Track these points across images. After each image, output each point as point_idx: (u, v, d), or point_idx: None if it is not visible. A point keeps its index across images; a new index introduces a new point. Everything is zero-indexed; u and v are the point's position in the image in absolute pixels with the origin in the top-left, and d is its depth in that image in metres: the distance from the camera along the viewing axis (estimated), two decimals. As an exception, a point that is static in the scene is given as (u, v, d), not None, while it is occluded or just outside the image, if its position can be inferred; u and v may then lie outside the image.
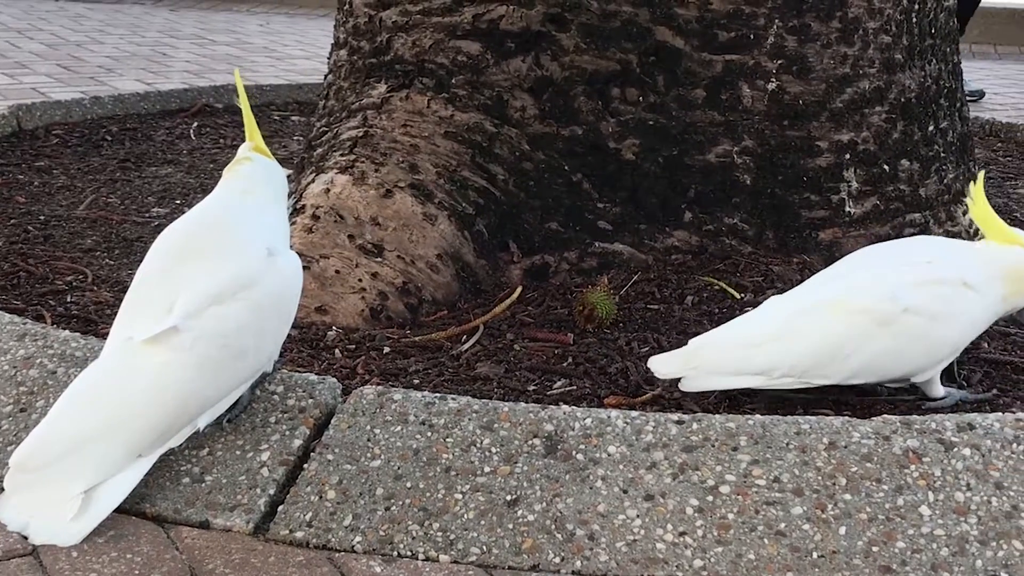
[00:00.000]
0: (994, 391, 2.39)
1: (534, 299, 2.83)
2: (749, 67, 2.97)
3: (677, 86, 2.96)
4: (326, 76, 3.44)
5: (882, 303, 2.22)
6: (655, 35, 2.94)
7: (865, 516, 1.86)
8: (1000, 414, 2.04)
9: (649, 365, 2.32)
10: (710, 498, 1.89)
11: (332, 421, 2.07)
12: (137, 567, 1.80)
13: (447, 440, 2.01)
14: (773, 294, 2.80)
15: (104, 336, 2.10)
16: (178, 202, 3.67)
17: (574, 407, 2.07)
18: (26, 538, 1.85)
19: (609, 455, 1.96)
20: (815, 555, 1.81)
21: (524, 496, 1.91)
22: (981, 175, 2.42)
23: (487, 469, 1.96)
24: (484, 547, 1.85)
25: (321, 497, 1.94)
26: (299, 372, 2.24)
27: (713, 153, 2.98)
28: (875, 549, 1.81)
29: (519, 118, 2.96)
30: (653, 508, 1.88)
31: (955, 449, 1.95)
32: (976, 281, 2.26)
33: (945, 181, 3.23)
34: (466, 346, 2.57)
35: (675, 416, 2.03)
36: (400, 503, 1.92)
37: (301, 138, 4.33)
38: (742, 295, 2.81)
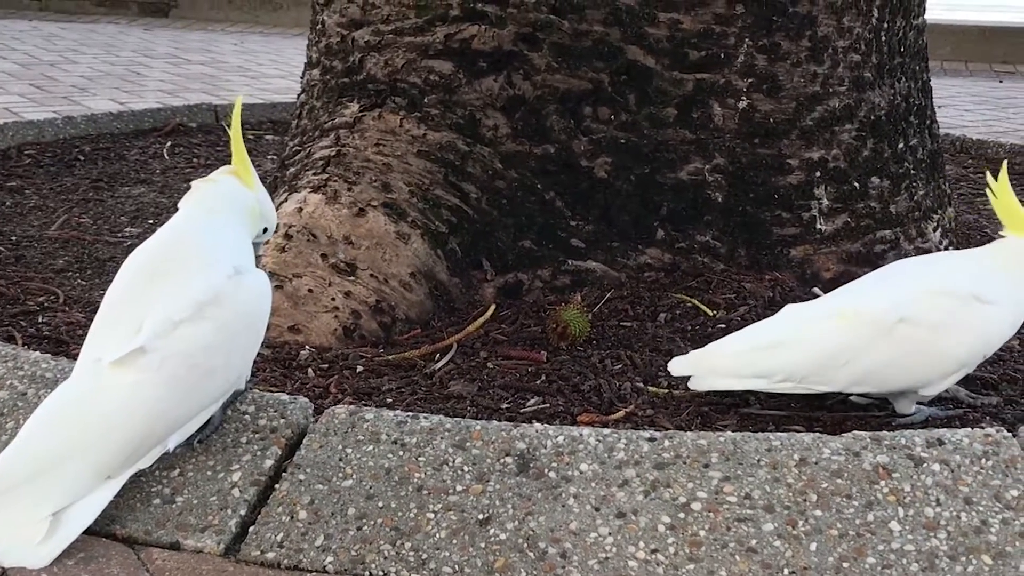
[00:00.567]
0: (963, 408, 2.41)
1: (508, 317, 2.83)
2: (720, 85, 2.99)
3: (648, 104, 2.97)
4: (299, 96, 3.45)
5: (879, 313, 2.23)
6: (626, 54, 2.96)
7: (836, 532, 1.86)
8: (969, 429, 2.05)
9: (669, 365, 2.42)
10: (682, 515, 1.89)
11: (304, 441, 2.07)
12: (107, 589, 1.80)
13: (419, 459, 2.00)
14: (745, 311, 2.82)
15: (75, 357, 2.09)
16: (151, 222, 3.66)
17: (546, 425, 2.07)
18: (-6, 561, 1.84)
19: (581, 473, 1.96)
20: (786, 571, 1.81)
21: (496, 515, 1.91)
22: (1004, 165, 2.43)
23: (459, 488, 1.95)
24: (456, 566, 1.85)
25: (292, 517, 1.93)
26: (271, 392, 2.23)
27: (685, 171, 3.00)
28: (846, 565, 1.82)
29: (491, 137, 2.97)
30: (625, 526, 1.88)
31: (925, 465, 1.96)
32: (994, 295, 2.23)
33: (915, 198, 3.26)
34: (440, 364, 2.57)
35: (647, 433, 2.03)
36: (372, 523, 1.91)
37: (275, 157, 4.32)
38: (715, 312, 2.83)
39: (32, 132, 4.76)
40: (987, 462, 1.97)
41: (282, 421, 2.11)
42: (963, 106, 7.35)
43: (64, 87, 7.08)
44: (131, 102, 6.49)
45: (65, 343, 2.61)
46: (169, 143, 4.83)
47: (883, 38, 3.19)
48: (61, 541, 1.84)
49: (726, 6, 2.96)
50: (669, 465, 1.96)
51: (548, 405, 2.39)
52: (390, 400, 2.38)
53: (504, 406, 2.38)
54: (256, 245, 2.18)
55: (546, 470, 1.97)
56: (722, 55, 2.98)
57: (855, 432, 2.04)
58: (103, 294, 2.04)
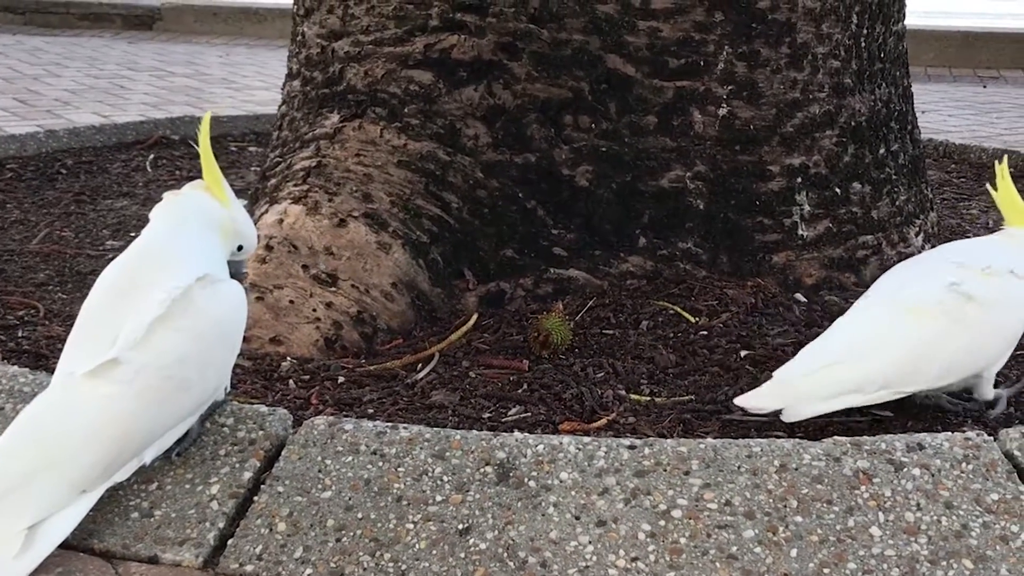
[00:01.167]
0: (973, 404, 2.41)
1: (490, 326, 2.82)
2: (700, 93, 2.99)
3: (629, 113, 2.97)
4: (280, 107, 3.44)
5: (946, 299, 2.24)
6: (606, 63, 2.96)
7: (816, 538, 1.86)
8: (949, 434, 2.05)
9: (737, 402, 2.28)
10: (662, 523, 1.89)
11: (283, 452, 2.06)
12: (84, 604, 1.78)
13: (398, 469, 2.00)
14: (728, 317, 2.82)
15: (54, 371, 2.08)
16: (133, 235, 3.61)
17: (526, 434, 2.06)
18: (-30, 576, 1.83)
19: (561, 481, 1.96)
20: (767, 578, 1.81)
21: (476, 524, 1.90)
22: (1005, 158, 2.45)
23: (439, 498, 1.95)
24: (436, 577, 1.84)
25: (271, 530, 1.92)
26: (250, 403, 2.22)
27: (666, 179, 3.00)
28: (826, 571, 1.82)
29: (472, 146, 2.96)
30: (605, 534, 1.88)
31: (905, 469, 1.96)
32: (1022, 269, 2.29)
33: (897, 203, 3.26)
34: (421, 374, 2.56)
35: (627, 441, 2.03)
36: (351, 534, 1.90)
37: (258, 168, 4.31)
38: (697, 319, 2.83)
39: (14, 146, 4.73)
40: (967, 466, 1.97)
41: (261, 433, 2.10)
42: (946, 111, 7.37)
43: (47, 101, 7.06)
44: (115, 115, 6.47)
45: (45, 357, 2.59)
46: (152, 156, 4.81)
47: (863, 44, 3.20)
48: (36, 556, 1.83)
49: (705, 14, 2.96)
50: (649, 473, 1.96)
51: (530, 414, 2.38)
52: (371, 410, 2.37)
53: (486, 415, 2.38)
54: (234, 263, 2.17)
55: (526, 479, 1.96)
56: (702, 63, 2.98)
57: (835, 438, 2.04)
58: (83, 308, 2.03)
